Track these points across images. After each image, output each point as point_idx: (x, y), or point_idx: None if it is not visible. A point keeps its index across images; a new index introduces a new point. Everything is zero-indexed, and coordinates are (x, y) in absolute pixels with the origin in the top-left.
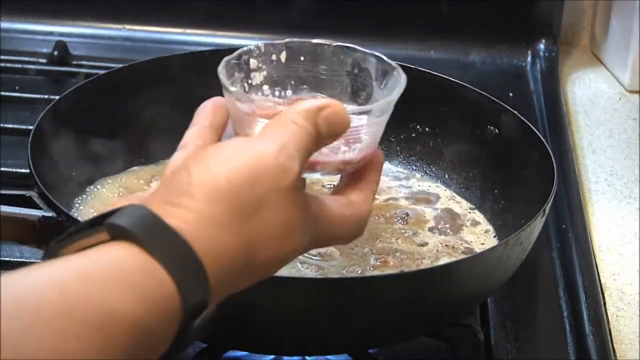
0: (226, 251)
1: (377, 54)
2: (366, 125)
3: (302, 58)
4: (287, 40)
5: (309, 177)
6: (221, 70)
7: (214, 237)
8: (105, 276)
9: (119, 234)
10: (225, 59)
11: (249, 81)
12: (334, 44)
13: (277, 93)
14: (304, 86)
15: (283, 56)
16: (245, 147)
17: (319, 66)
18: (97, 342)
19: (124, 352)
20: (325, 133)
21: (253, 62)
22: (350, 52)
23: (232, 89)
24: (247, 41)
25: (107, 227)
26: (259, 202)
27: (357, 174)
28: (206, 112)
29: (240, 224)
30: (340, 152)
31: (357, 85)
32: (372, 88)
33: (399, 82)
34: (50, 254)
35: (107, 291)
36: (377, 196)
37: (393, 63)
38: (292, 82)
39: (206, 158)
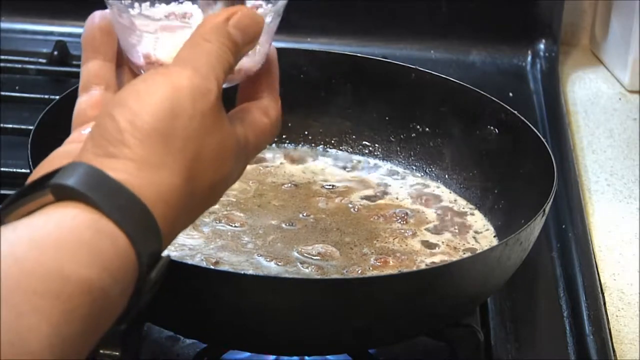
0: (170, 192)
1: None
2: (266, 27)
3: None
4: None
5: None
6: None
7: (156, 181)
8: (56, 240)
9: (64, 194)
10: None
11: None
12: None
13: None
14: None
15: None
16: (158, 79)
17: None
18: (55, 312)
19: (83, 318)
20: (241, 41)
21: None
22: None
23: (112, 1)
24: None
25: (51, 188)
26: (185, 131)
27: (258, 76)
28: (96, 44)
29: (176, 159)
30: (245, 58)
31: None
32: None
33: None
34: None
35: (60, 256)
36: (377, 196)
37: None
38: None
39: (125, 100)
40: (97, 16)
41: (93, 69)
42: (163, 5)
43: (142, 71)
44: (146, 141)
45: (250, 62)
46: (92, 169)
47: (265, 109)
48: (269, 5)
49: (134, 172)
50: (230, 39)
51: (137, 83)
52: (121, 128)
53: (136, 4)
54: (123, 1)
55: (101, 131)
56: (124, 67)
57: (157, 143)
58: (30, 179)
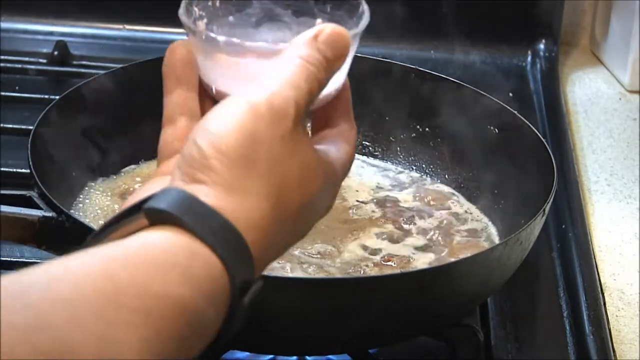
0: (260, 218)
1: None
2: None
3: None
4: None
5: None
6: (182, 13)
7: (245, 206)
8: (150, 260)
9: (158, 218)
10: (183, 2)
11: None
12: None
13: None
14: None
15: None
16: (239, 103)
17: (254, 4)
18: (146, 328)
19: (174, 336)
20: (331, 56)
21: (195, 11)
22: None
23: (199, 29)
24: None
25: (145, 212)
26: (268, 155)
27: (334, 103)
28: (178, 73)
29: (262, 183)
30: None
31: (301, 16)
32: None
33: (363, 11)
34: (88, 247)
35: (153, 275)
36: (377, 196)
37: None
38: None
39: (208, 126)
40: (178, 45)
41: (177, 100)
42: (248, 43)
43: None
44: (232, 166)
45: (331, 86)
46: (185, 194)
47: (344, 134)
48: (353, 29)
49: (223, 197)
50: (321, 55)
51: (218, 108)
52: (207, 154)
53: (220, 35)
54: (208, 31)
55: (187, 158)
56: (205, 96)
57: (243, 167)
58: (120, 210)
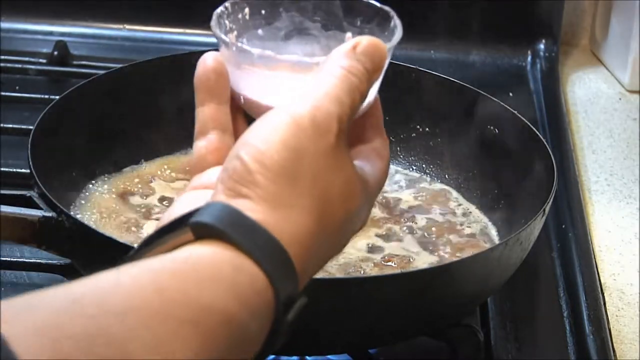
0: (304, 233)
1: None
2: None
3: (262, 12)
4: None
5: None
6: (214, 25)
7: (290, 220)
8: (197, 273)
9: (203, 232)
10: (216, 13)
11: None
12: None
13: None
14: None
15: (247, 12)
16: (281, 117)
17: (283, 17)
18: (195, 339)
19: (220, 349)
20: (370, 67)
21: (226, 23)
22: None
23: (232, 41)
24: None
25: (191, 226)
26: (311, 170)
27: (365, 118)
28: (210, 86)
29: (306, 198)
30: None
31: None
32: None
33: (395, 25)
34: (132, 260)
35: (200, 287)
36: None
37: (375, 4)
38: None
39: (250, 140)
40: (210, 58)
41: (209, 113)
42: (282, 56)
43: (254, 115)
44: (277, 180)
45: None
46: (230, 208)
47: (378, 150)
48: (386, 43)
49: (268, 211)
50: (361, 65)
51: (261, 122)
52: (251, 169)
53: (255, 48)
54: (241, 47)
55: (230, 173)
56: (236, 111)
57: (287, 182)
58: (159, 225)
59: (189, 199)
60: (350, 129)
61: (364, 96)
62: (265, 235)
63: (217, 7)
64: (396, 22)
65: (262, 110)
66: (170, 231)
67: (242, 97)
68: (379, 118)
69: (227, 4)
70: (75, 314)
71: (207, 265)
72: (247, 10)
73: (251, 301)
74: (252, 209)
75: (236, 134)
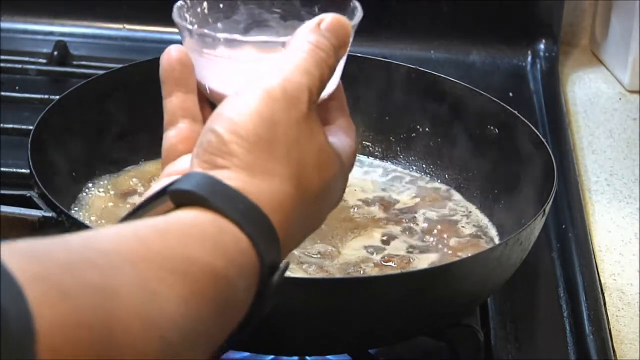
0: (284, 199)
1: None
2: None
3: (220, 5)
4: None
5: None
6: (176, 16)
7: (269, 187)
8: (180, 231)
9: (184, 199)
10: (176, 5)
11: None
12: None
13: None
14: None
15: (205, 7)
16: (253, 90)
17: (241, 10)
18: (182, 287)
19: (209, 301)
20: (335, 42)
21: (186, 17)
22: None
23: (195, 28)
24: None
25: (170, 194)
26: (286, 137)
27: (328, 101)
28: (176, 76)
29: (282, 165)
30: None
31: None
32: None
33: (354, 6)
34: None
35: (184, 243)
36: (377, 196)
37: None
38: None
39: (224, 113)
40: (173, 49)
41: (177, 103)
42: (248, 37)
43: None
44: (252, 149)
45: (328, 87)
46: (209, 177)
47: (345, 129)
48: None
49: (246, 179)
50: (326, 40)
51: (232, 98)
52: (226, 140)
53: (218, 35)
54: (206, 33)
55: (205, 147)
56: (203, 100)
57: (263, 150)
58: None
59: (165, 183)
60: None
61: (332, 70)
62: (245, 201)
63: None
64: (355, 3)
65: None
66: (151, 202)
67: (207, 87)
68: (342, 100)
69: None
70: (62, 246)
71: (190, 224)
72: (205, 4)
73: (236, 259)
74: (230, 177)
75: (204, 123)
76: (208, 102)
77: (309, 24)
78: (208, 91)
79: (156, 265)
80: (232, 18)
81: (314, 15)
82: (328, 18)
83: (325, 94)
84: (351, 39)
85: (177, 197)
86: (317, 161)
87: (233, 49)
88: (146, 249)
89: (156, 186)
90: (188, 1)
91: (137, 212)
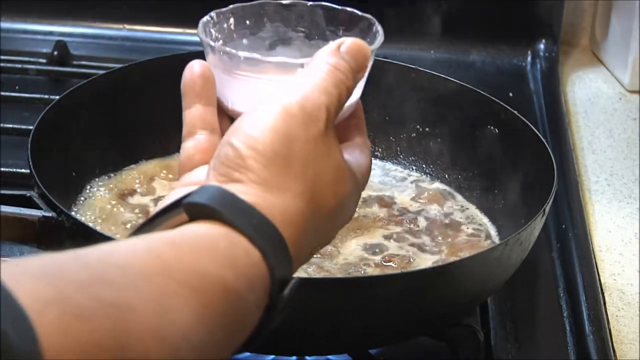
0: (296, 215)
1: (325, 4)
2: None
3: (247, 22)
4: (232, 6)
5: None
6: (201, 31)
7: (282, 203)
8: (193, 244)
9: (197, 212)
10: (202, 21)
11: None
12: (280, 2)
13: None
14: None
15: (232, 22)
16: (271, 107)
17: (267, 27)
18: (194, 301)
19: (219, 315)
20: (354, 65)
21: (212, 32)
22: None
23: (218, 45)
24: None
25: (185, 207)
26: (303, 154)
27: (348, 120)
28: (197, 89)
29: (297, 181)
30: None
31: (314, 39)
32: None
33: (377, 31)
34: None
35: (197, 256)
36: (377, 196)
37: (355, 11)
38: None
39: (242, 128)
40: (196, 64)
41: (197, 114)
42: (268, 58)
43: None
44: (269, 165)
45: (347, 103)
46: (223, 190)
47: (361, 147)
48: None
49: (260, 194)
50: (345, 62)
51: (250, 113)
52: (243, 154)
53: (239, 53)
54: (227, 51)
55: (222, 159)
56: (223, 114)
57: (279, 166)
58: (154, 212)
59: (180, 193)
60: (335, 129)
61: (350, 92)
62: (258, 215)
63: (216, 7)
64: (378, 28)
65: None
66: (165, 214)
67: (228, 103)
68: (361, 119)
69: (212, 13)
70: (75, 263)
71: (202, 238)
72: (232, 20)
73: (247, 273)
74: (244, 192)
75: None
76: (227, 116)
77: (330, 47)
78: (229, 107)
79: (170, 279)
80: (258, 35)
81: (338, 36)
82: (348, 41)
83: (344, 112)
84: (371, 63)
85: (191, 209)
86: (332, 178)
87: (253, 67)
88: (160, 263)
89: (172, 195)
90: (214, 16)
91: (152, 223)
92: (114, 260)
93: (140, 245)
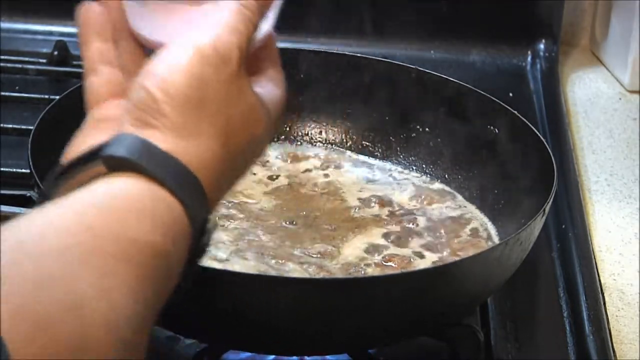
0: (211, 158)
1: None
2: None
3: None
4: None
5: None
6: None
7: (196, 148)
8: (120, 208)
9: (116, 165)
10: None
11: None
12: None
13: None
14: None
15: None
16: (184, 48)
17: None
18: (130, 275)
19: (151, 282)
20: (260, 1)
21: None
22: None
23: None
24: None
25: (104, 159)
26: (215, 96)
27: (259, 51)
28: (95, 26)
29: (210, 124)
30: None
31: None
32: None
33: None
34: (45, 195)
35: (126, 223)
36: (377, 196)
37: None
38: None
39: (155, 70)
40: (91, 5)
41: (96, 50)
42: None
43: (155, 51)
44: (182, 109)
45: (259, 31)
46: (140, 140)
47: (274, 80)
48: None
49: (176, 141)
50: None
51: (164, 54)
52: (157, 98)
53: None
54: None
55: (136, 103)
56: (136, 47)
57: (192, 110)
58: (66, 158)
59: (95, 132)
60: (247, 63)
61: (256, 27)
62: (176, 164)
63: None
64: None
65: (161, 45)
66: (83, 164)
67: (141, 34)
68: (273, 50)
69: None
70: (22, 253)
71: (129, 199)
72: None
73: (172, 230)
74: (160, 139)
75: (138, 71)
76: (142, 50)
77: None
78: (148, 38)
79: (106, 255)
80: None
81: None
82: None
83: (253, 45)
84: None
85: (111, 162)
86: (245, 119)
87: None
88: (93, 238)
89: (85, 137)
90: None
91: (70, 172)
92: (51, 246)
93: (72, 221)
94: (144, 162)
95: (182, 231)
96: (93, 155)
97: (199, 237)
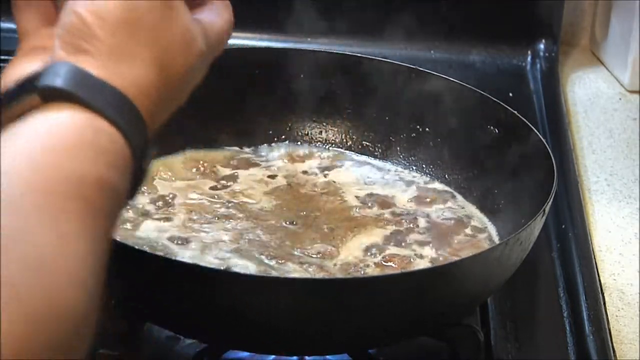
0: (148, 84)
1: None
2: None
3: None
4: None
5: None
6: None
7: (133, 73)
8: (65, 143)
9: (53, 95)
10: None
11: None
12: None
13: None
14: None
15: None
16: None
17: None
18: (83, 213)
19: (104, 217)
20: None
21: None
22: None
23: None
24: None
25: (40, 90)
26: (149, 20)
27: None
28: None
29: (146, 49)
30: None
31: None
32: None
33: None
34: None
35: (73, 158)
36: (377, 195)
37: None
38: None
39: None
40: None
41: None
42: None
43: None
44: (115, 33)
45: None
46: (75, 68)
47: (217, 8)
48: None
49: (110, 66)
50: None
51: None
52: (88, 22)
53: None
54: None
55: (67, 28)
56: None
57: (126, 33)
58: (2, 86)
59: (24, 61)
60: None
61: None
62: (113, 92)
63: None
64: None
65: None
66: (18, 96)
67: None
68: None
69: None
70: None
71: (70, 133)
72: None
73: (116, 161)
74: (95, 65)
75: None
76: None
77: None
78: None
79: (59, 196)
80: None
81: None
82: None
83: None
84: None
85: (47, 93)
86: (182, 43)
87: None
88: (42, 178)
89: (18, 65)
90: None
91: (6, 102)
92: (10, 191)
93: (20, 162)
94: (82, 93)
95: (124, 160)
96: (29, 84)
97: (139, 164)
